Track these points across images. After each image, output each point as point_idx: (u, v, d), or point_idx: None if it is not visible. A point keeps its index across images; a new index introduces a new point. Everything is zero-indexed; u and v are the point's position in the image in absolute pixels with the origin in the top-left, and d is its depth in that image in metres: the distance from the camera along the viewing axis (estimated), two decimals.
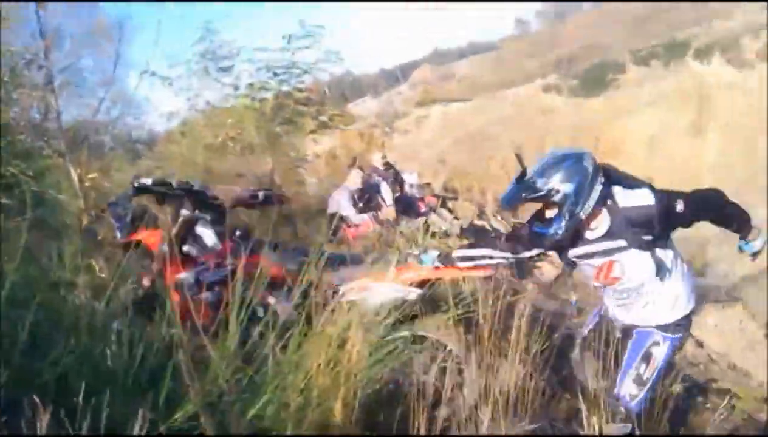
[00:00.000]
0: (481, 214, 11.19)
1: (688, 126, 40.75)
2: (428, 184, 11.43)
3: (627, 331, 3.24)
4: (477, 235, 8.60)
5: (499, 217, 11.14)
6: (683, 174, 37.31)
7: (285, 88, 10.33)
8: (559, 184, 2.83)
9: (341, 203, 8.17)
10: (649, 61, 44.10)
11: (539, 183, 2.84)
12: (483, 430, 2.60)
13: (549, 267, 9.63)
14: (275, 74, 10.14)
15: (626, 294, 3.14)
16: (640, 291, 3.09)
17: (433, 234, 8.50)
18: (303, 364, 2.47)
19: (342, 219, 8.05)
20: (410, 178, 9.86)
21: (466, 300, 3.12)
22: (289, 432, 2.27)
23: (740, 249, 3.07)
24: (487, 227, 10.24)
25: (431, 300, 3.18)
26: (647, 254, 2.95)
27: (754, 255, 3.05)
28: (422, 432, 2.41)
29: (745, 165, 39.77)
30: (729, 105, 41.91)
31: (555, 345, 3.16)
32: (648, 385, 3.10)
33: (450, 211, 10.03)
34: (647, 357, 3.13)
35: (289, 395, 2.34)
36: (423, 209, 9.15)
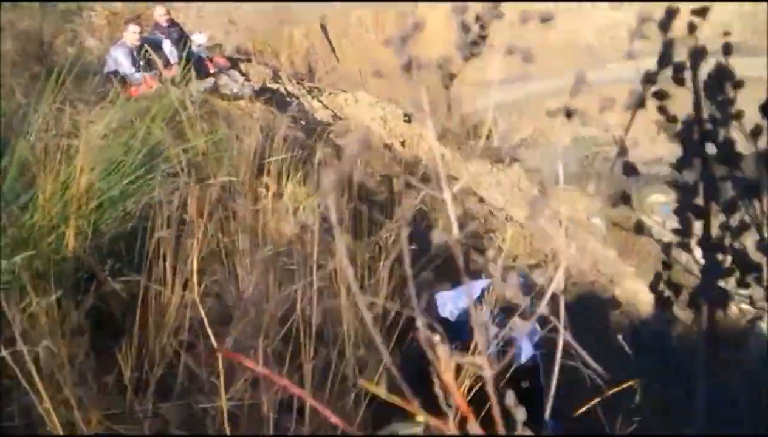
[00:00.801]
0: (276, 78, 10.97)
1: None
2: (219, 45, 10.88)
3: None
4: None
5: (294, 81, 11.05)
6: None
7: None
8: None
9: (119, 60, 7.61)
10: None
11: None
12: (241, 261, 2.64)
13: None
14: None
15: None
16: None
17: (224, 97, 8.26)
18: (31, 197, 2.33)
19: (122, 78, 7.52)
20: (199, 38, 9.32)
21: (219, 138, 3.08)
22: (18, 258, 2.15)
23: None
24: (282, 91, 10.12)
25: (180, 134, 3.08)
26: None
27: None
28: (168, 261, 2.38)
29: None
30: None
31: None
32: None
33: (242, 73, 9.70)
34: None
35: (13, 227, 2.20)
36: (212, 70, 8.77)
